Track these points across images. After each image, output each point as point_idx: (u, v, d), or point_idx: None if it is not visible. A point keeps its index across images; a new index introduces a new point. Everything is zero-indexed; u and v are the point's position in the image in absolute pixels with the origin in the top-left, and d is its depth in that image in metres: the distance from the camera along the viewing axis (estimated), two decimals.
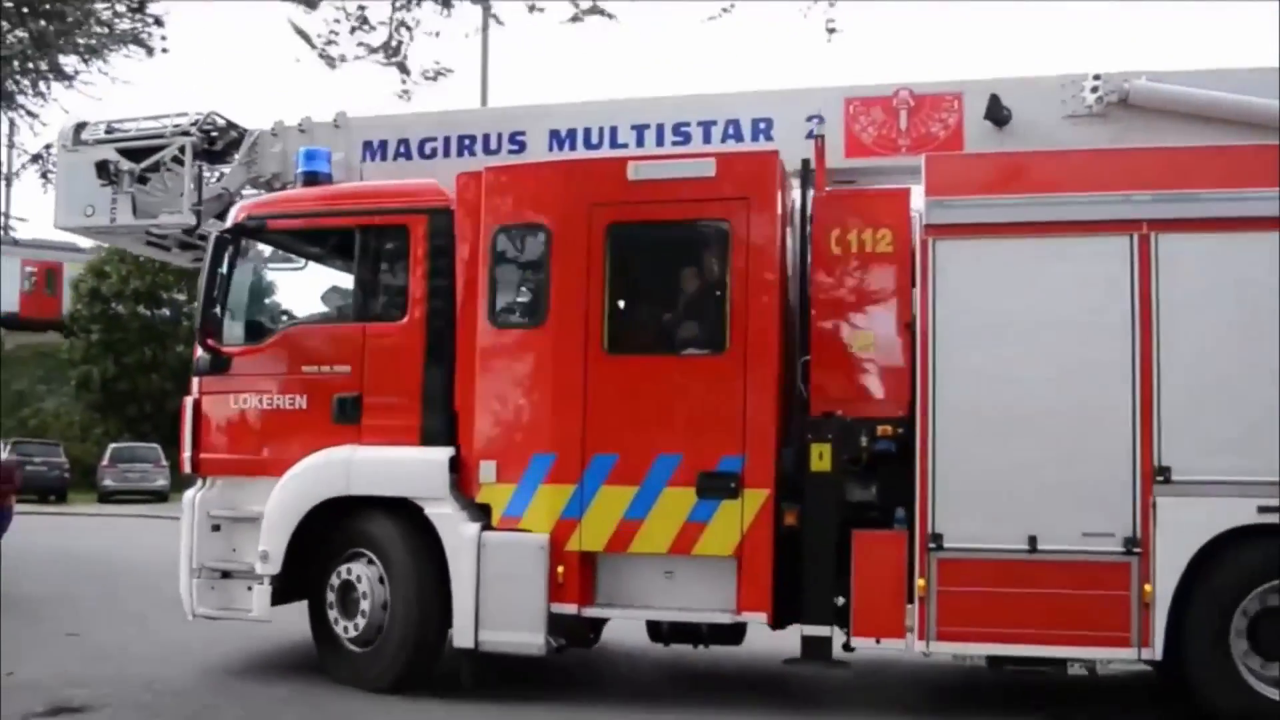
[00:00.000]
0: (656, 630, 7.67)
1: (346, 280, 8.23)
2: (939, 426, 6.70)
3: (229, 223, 8.20)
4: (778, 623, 7.04)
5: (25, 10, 11.41)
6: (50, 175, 10.66)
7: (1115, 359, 6.57)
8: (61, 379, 37.52)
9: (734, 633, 7.43)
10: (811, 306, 7.30)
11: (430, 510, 7.38)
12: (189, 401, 8.21)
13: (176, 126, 9.32)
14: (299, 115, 9.44)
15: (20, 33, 12.15)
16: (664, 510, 6.99)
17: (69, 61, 13.54)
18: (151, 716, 6.78)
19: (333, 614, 7.64)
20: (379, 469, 7.58)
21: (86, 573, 13.81)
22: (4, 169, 15.04)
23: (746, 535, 6.88)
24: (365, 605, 7.49)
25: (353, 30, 9.65)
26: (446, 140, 8.97)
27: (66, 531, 20.60)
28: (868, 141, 8.12)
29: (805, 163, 7.52)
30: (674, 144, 8.42)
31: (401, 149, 9.10)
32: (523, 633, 7.11)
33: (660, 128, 8.50)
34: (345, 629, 7.57)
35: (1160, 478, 6.45)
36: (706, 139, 8.38)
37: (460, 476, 7.46)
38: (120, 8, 12.74)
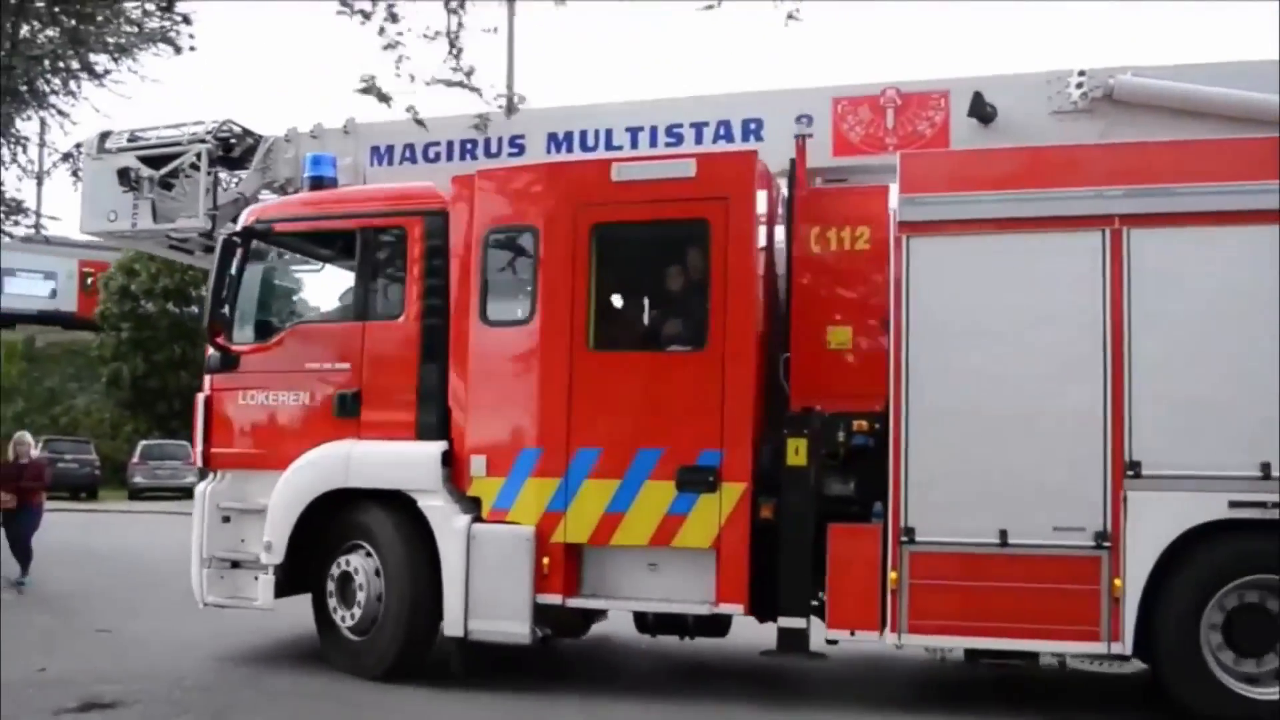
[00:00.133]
0: (643, 622, 7.86)
1: (348, 281, 8.51)
2: (911, 421, 6.77)
3: (238, 226, 8.53)
4: (758, 616, 7.16)
5: (56, 9, 11.78)
6: (80, 174, 11.04)
7: (1087, 354, 6.59)
8: (92, 376, 37.74)
9: (718, 625, 7.58)
10: (792, 303, 7.41)
11: (423, 503, 7.63)
12: (200, 398, 8.57)
13: (194, 135, 9.72)
14: (320, 117, 9.76)
15: (50, 32, 12.54)
16: (645, 503, 7.16)
17: (99, 60, 13.92)
18: (181, 712, 6.90)
19: (332, 604, 7.93)
20: (375, 463, 7.85)
21: (117, 569, 14.14)
22: (36, 168, 15.43)
23: (724, 528, 7.02)
24: (362, 595, 7.76)
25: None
26: (449, 145, 9.23)
27: (97, 528, 20.92)
28: (855, 140, 8.22)
29: (793, 162, 7.65)
30: (666, 145, 8.61)
31: (407, 153, 9.40)
32: (509, 622, 7.32)
33: (654, 129, 8.69)
34: (344, 618, 7.85)
35: (1131, 472, 6.46)
36: (698, 140, 8.55)
37: (453, 470, 7.69)
38: (149, 6, 13.02)
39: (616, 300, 7.87)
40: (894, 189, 7.18)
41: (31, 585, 12.24)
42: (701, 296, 7.27)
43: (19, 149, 15.42)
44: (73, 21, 12.29)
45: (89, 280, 35.93)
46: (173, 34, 13.09)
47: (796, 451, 7.00)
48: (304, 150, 9.54)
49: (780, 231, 7.71)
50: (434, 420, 7.83)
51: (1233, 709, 6.33)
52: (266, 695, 7.35)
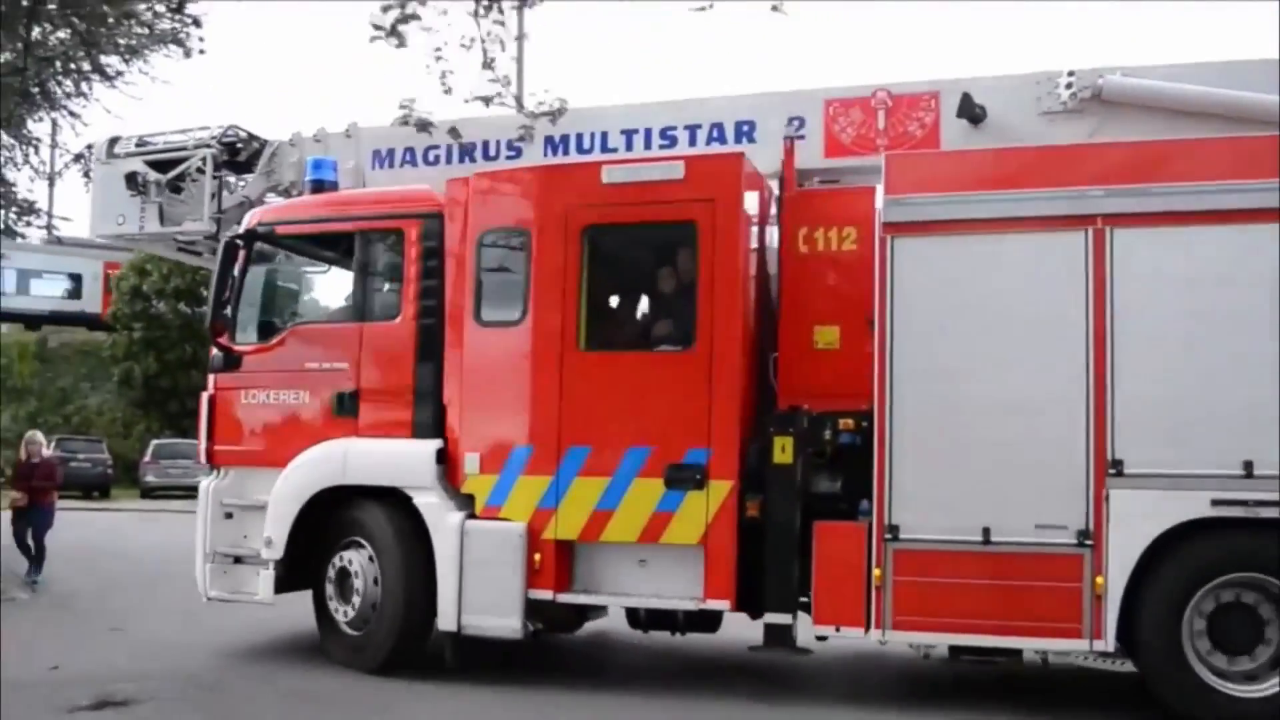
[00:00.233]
0: (635, 618, 7.95)
1: (348, 282, 8.65)
2: (896, 420, 6.83)
3: (240, 229, 8.69)
4: (746, 611, 7.24)
5: (68, 11, 11.95)
6: (91, 175, 11.24)
7: (1070, 353, 6.62)
8: (104, 376, 37.99)
9: (709, 621, 7.65)
10: (780, 303, 7.49)
11: (418, 499, 7.77)
12: (204, 397, 8.73)
13: (200, 140, 9.91)
14: (324, 120, 9.92)
15: (62, 33, 12.73)
16: (634, 500, 7.25)
17: (110, 61, 14.11)
18: (194, 710, 7.00)
19: (331, 599, 8.08)
20: (371, 460, 8.00)
21: (129, 567, 14.25)
22: (48, 169, 15.63)
23: (711, 525, 7.10)
24: (359, 591, 7.90)
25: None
26: (449, 148, 9.36)
27: (109, 527, 21.10)
28: (847, 142, 8.28)
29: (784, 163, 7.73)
30: (661, 147, 8.71)
31: (407, 157, 9.53)
32: (501, 617, 7.43)
33: (648, 132, 8.79)
34: (342, 613, 8.00)
35: (1113, 470, 6.49)
36: (692, 142, 8.64)
37: (448, 468, 7.82)
38: (160, 8, 13.22)
39: (607, 301, 7.96)
40: (879, 190, 7.25)
41: (44, 584, 12.41)
42: (690, 297, 7.36)
43: (31, 150, 15.66)
44: (84, 23, 12.47)
45: (116, 283, 36.24)
46: (183, 35, 13.28)
47: (783, 450, 7.07)
48: (308, 154, 9.69)
49: (772, 232, 7.79)
50: (429, 419, 7.96)
51: (1215, 706, 6.35)
52: (278, 693, 7.45)
